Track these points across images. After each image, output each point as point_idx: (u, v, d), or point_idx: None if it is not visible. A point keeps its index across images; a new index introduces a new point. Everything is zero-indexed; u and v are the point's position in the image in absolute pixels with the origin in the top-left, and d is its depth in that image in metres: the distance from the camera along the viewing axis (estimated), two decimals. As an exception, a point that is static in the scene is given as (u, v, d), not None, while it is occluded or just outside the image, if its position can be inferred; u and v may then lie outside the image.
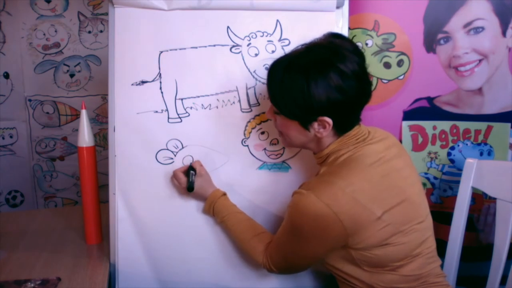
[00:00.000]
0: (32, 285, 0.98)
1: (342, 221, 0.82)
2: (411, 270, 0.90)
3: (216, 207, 1.06)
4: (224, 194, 1.08)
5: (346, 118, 0.90)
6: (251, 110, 1.08)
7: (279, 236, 0.95)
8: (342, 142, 0.91)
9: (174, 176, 1.06)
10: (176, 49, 1.04)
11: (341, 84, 0.83)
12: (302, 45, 0.90)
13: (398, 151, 0.95)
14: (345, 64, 0.83)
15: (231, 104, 1.07)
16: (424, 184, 1.30)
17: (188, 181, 1.04)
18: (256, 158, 1.10)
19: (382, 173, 0.88)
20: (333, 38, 0.89)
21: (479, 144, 1.29)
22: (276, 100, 0.91)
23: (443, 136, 1.29)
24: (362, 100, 0.89)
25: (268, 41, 1.06)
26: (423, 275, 0.92)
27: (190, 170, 1.05)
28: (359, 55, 0.87)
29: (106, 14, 1.27)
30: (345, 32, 1.09)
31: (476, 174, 1.15)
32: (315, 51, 0.87)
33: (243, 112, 1.08)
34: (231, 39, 1.05)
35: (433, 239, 0.96)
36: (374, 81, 1.23)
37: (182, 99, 1.06)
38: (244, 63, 1.06)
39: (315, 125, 0.88)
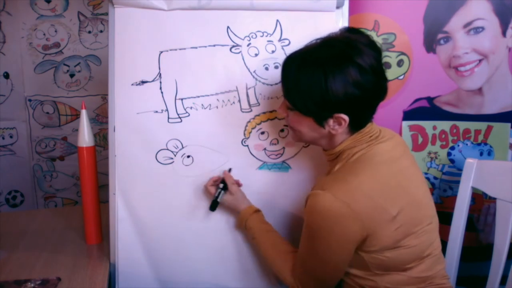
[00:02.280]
0: (32, 285, 0.98)
1: (361, 220, 0.81)
2: (420, 272, 0.90)
3: (247, 224, 1.05)
4: (258, 210, 1.06)
5: (362, 115, 0.88)
6: (251, 110, 1.08)
7: (301, 251, 0.92)
8: (356, 139, 0.89)
9: (206, 190, 1.07)
10: (176, 49, 1.04)
11: (359, 79, 0.81)
12: (317, 39, 0.88)
13: (403, 150, 0.95)
14: (362, 59, 0.81)
15: (231, 104, 1.07)
16: (424, 184, 1.30)
17: (213, 199, 1.04)
18: (256, 158, 1.10)
19: (392, 172, 0.87)
20: (349, 33, 0.87)
21: (479, 144, 1.29)
22: (290, 95, 0.89)
23: (443, 136, 1.29)
24: (379, 95, 0.87)
25: (268, 41, 1.06)
26: (430, 277, 0.91)
27: (219, 187, 1.05)
28: (375, 49, 0.85)
29: (106, 14, 1.27)
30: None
31: (476, 174, 1.15)
32: (332, 45, 0.85)
33: (243, 112, 1.08)
34: (231, 39, 1.05)
35: (439, 240, 0.95)
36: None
37: (182, 99, 1.06)
38: (244, 63, 1.06)
39: (330, 121, 0.86)
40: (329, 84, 0.81)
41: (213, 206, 1.05)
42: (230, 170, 1.08)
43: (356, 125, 0.88)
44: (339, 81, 0.81)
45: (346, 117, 0.84)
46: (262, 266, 1.13)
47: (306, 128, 0.91)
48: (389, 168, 0.87)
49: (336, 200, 0.81)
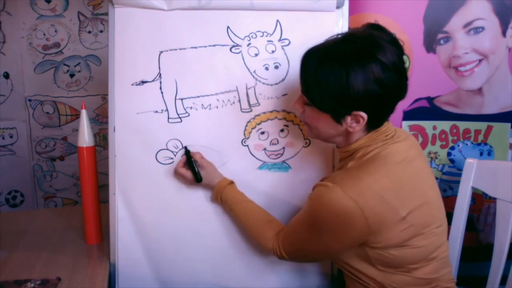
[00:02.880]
0: (32, 285, 0.98)
1: (367, 218, 0.80)
2: (426, 274, 0.89)
3: (223, 197, 1.05)
4: (231, 182, 1.07)
5: (381, 113, 0.87)
6: (251, 110, 1.08)
7: (295, 226, 0.93)
8: (372, 138, 0.88)
9: (177, 174, 1.06)
10: (176, 49, 1.04)
11: (381, 76, 0.79)
12: (338, 34, 0.86)
13: (418, 152, 0.94)
14: (385, 56, 0.80)
15: (231, 104, 1.07)
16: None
17: (194, 172, 1.04)
18: (256, 158, 1.10)
19: (407, 173, 0.87)
20: (371, 29, 0.85)
21: (479, 144, 1.29)
22: (309, 90, 0.87)
23: (443, 136, 1.29)
24: (400, 93, 0.85)
25: (268, 41, 1.06)
26: (436, 280, 0.91)
27: (192, 162, 1.05)
28: (397, 47, 0.83)
29: (106, 14, 1.27)
30: (345, 32, 1.09)
31: (476, 174, 1.15)
32: (354, 41, 0.83)
33: (243, 112, 1.08)
34: (231, 39, 1.05)
35: (447, 243, 0.95)
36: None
37: (182, 99, 1.06)
38: (244, 63, 1.06)
39: (348, 119, 0.85)
40: (350, 80, 0.79)
41: (199, 177, 1.04)
42: (186, 148, 1.07)
43: (374, 124, 0.87)
44: (361, 77, 0.79)
45: (364, 115, 0.83)
46: (263, 266, 1.13)
47: (323, 125, 0.89)
48: (404, 168, 0.87)
49: (344, 196, 0.80)
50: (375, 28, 0.86)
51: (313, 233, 0.88)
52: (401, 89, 0.85)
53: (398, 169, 0.86)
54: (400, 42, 0.85)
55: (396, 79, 0.82)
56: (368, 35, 0.83)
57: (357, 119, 0.84)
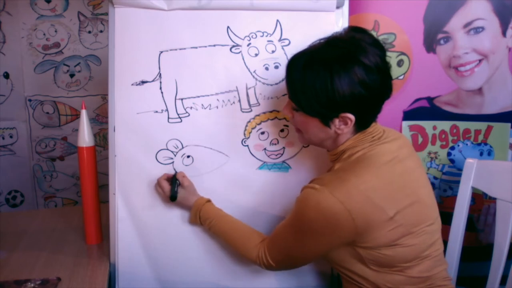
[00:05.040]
0: (32, 285, 0.98)
1: (354, 220, 0.81)
2: (419, 272, 0.89)
3: (201, 215, 1.05)
4: (208, 200, 1.07)
5: (368, 114, 0.88)
6: (251, 110, 1.08)
7: (281, 230, 0.94)
8: (359, 139, 0.89)
9: (158, 184, 1.06)
10: (176, 49, 1.04)
11: (365, 79, 0.81)
12: (321, 39, 0.88)
13: (409, 151, 0.95)
14: (368, 58, 0.81)
15: (231, 104, 1.07)
16: (424, 184, 1.30)
17: (172, 190, 1.04)
18: (256, 158, 1.10)
19: (396, 172, 0.87)
20: (353, 32, 0.87)
21: (479, 144, 1.29)
22: (296, 96, 0.88)
23: (443, 136, 1.29)
24: (385, 94, 0.87)
25: (268, 41, 1.06)
26: (430, 278, 0.91)
27: (175, 180, 1.05)
28: (380, 48, 0.85)
29: (106, 14, 1.27)
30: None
31: (476, 174, 1.15)
32: (337, 45, 0.84)
33: (243, 112, 1.08)
34: (231, 39, 1.05)
35: (441, 241, 0.95)
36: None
37: (182, 99, 1.06)
38: (244, 63, 1.06)
39: (336, 121, 0.86)
40: (335, 84, 0.81)
41: (174, 196, 1.04)
42: (175, 170, 1.08)
43: (362, 125, 0.88)
44: (346, 81, 0.81)
45: (352, 117, 0.84)
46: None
47: (312, 129, 0.90)
48: (392, 168, 0.87)
49: (331, 198, 0.81)
50: (357, 31, 0.88)
51: (300, 235, 0.88)
52: (385, 89, 0.87)
53: (386, 169, 0.86)
54: (382, 43, 0.87)
55: (380, 80, 0.83)
56: (350, 38, 0.85)
57: (345, 121, 0.86)
